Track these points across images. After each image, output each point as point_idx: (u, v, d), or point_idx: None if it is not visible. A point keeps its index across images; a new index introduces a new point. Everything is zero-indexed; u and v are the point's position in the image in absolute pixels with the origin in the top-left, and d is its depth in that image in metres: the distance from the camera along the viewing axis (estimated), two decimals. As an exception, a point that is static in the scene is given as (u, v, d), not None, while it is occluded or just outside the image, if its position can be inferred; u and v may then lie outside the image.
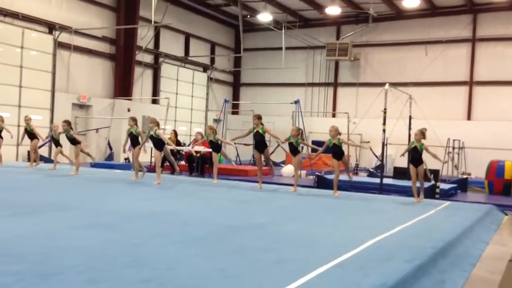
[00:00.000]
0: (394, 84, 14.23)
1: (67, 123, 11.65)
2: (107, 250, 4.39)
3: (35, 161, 12.93)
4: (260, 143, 10.62)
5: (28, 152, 14.27)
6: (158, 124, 10.74)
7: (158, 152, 10.70)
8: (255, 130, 10.49)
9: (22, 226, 5.29)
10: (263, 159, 10.79)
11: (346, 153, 19.70)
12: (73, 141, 11.59)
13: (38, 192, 8.42)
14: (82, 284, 3.35)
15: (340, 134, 9.86)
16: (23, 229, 5.15)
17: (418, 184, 9.57)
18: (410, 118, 14.07)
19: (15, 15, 16.09)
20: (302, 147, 12.33)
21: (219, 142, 11.61)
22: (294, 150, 10.30)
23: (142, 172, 11.55)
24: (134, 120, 11.17)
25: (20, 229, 5.11)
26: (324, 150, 10.13)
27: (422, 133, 9.37)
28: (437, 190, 11.00)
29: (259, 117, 10.57)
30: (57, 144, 12.24)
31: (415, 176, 9.38)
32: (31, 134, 12.57)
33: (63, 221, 5.71)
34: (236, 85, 27.56)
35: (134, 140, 11.03)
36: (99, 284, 3.37)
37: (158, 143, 10.59)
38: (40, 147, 14.12)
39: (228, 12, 24.60)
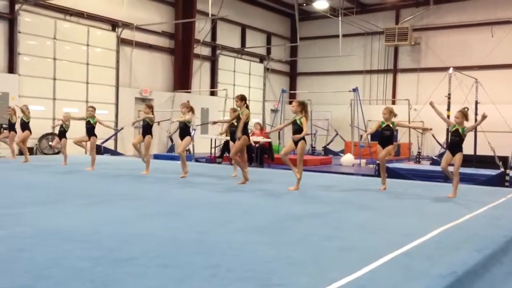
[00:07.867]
0: (458, 68, 13.69)
1: (93, 109, 11.09)
2: (175, 237, 4.57)
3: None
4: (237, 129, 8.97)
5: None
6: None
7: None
8: (236, 113, 9.09)
9: (97, 214, 5.61)
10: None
11: (407, 140, 19.53)
12: (91, 131, 10.85)
13: (105, 184, 8.85)
14: (156, 269, 3.51)
15: (395, 116, 8.69)
16: (98, 217, 5.46)
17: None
18: (477, 103, 13.50)
19: (80, 15, 16.86)
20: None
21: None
22: (296, 131, 8.29)
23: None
24: (150, 107, 10.34)
25: (95, 217, 5.42)
26: (375, 130, 8.69)
27: (464, 115, 8.08)
28: (507, 178, 10.54)
29: (241, 98, 9.00)
30: (63, 135, 11.59)
31: (446, 162, 8.08)
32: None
33: (132, 209, 5.99)
34: (292, 75, 27.48)
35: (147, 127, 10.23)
36: (171, 269, 3.53)
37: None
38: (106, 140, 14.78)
39: (283, 1, 24.51)
